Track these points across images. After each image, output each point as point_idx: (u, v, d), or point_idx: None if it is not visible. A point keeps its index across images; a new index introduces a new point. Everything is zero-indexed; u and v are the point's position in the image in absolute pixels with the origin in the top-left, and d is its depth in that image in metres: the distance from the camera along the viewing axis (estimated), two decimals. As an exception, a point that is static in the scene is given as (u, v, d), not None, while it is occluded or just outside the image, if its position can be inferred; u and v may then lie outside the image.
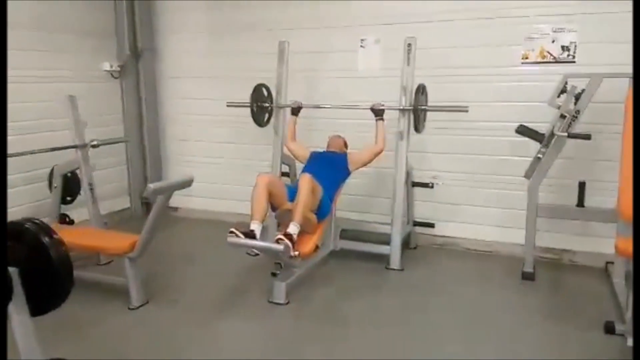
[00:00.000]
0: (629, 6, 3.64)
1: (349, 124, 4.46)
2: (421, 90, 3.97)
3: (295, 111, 4.25)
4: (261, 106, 4.39)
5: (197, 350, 2.87)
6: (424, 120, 4.11)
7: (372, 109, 4.00)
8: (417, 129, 4.05)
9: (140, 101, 5.40)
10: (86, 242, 3.55)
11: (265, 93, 4.40)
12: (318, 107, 4.42)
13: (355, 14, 4.54)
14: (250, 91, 4.32)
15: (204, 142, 5.37)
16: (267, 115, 4.44)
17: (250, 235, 3.23)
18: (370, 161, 3.99)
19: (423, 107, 4.00)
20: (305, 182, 3.38)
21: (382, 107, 3.97)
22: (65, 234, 3.59)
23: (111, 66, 5.15)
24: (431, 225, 4.47)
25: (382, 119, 3.98)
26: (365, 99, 4.53)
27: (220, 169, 5.32)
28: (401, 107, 3.97)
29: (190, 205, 5.49)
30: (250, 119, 4.39)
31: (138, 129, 5.43)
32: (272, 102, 4.40)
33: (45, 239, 1.83)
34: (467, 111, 3.77)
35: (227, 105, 4.43)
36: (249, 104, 4.31)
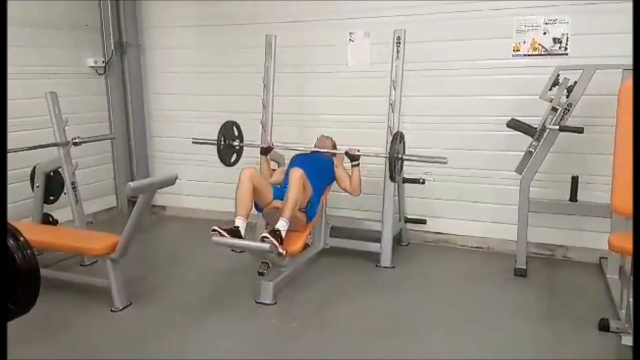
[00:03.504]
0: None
1: (335, 120, 4.39)
2: (399, 138, 3.75)
3: (265, 151, 4.05)
4: (229, 144, 4.10)
5: (181, 352, 2.79)
6: (401, 169, 3.92)
7: (347, 154, 3.83)
8: (392, 177, 3.80)
9: (126, 97, 5.30)
10: (67, 243, 3.47)
11: (235, 131, 4.14)
12: (287, 148, 4.16)
13: (343, 8, 4.45)
14: (240, 86, 4.22)
15: (192, 138, 5.26)
16: (235, 156, 4.16)
17: (235, 232, 3.15)
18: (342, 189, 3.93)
19: (399, 157, 3.77)
20: (297, 176, 3.28)
21: (358, 153, 3.80)
22: (46, 235, 3.61)
23: (96, 62, 5.06)
24: (423, 222, 4.41)
25: (358, 165, 3.81)
26: (355, 93, 4.50)
27: (208, 166, 5.20)
28: (377, 154, 3.84)
29: (178, 204, 5.42)
30: (238, 115, 4.28)
31: (124, 125, 5.33)
32: (241, 141, 4.16)
33: (10, 242, 1.73)
34: (445, 163, 3.62)
35: (193, 142, 4.18)
36: (215, 142, 4.01)
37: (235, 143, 4.14)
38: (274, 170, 4.09)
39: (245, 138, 4.21)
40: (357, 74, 4.47)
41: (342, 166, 3.96)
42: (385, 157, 3.74)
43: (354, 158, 3.80)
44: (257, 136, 4.32)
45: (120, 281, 3.24)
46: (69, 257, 3.89)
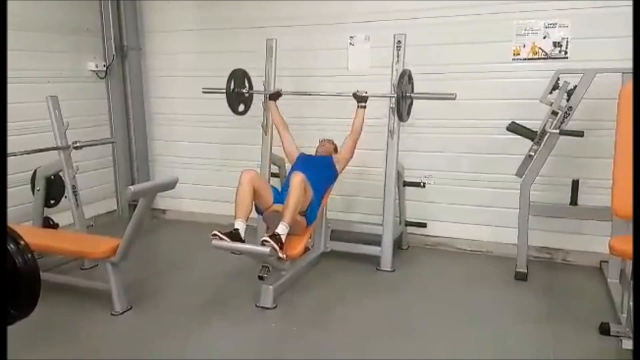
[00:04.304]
0: (621, 1, 3.59)
1: (338, 124, 4.38)
2: (406, 76, 3.76)
3: (274, 96, 4.08)
4: (238, 92, 4.14)
5: (181, 356, 2.79)
6: (409, 109, 3.92)
7: (355, 95, 3.87)
8: (401, 116, 3.81)
9: (127, 101, 5.31)
10: (67, 247, 3.47)
11: (245, 80, 4.19)
12: (298, 93, 4.24)
13: (344, 11, 4.45)
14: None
15: (192, 142, 5.28)
16: (243, 106, 4.21)
17: (235, 235, 3.15)
18: (352, 154, 3.88)
19: (408, 95, 3.80)
20: (298, 180, 3.27)
21: (365, 95, 3.84)
22: (47, 238, 3.61)
23: (97, 66, 5.07)
24: (423, 225, 4.41)
25: (364, 107, 3.84)
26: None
27: (208, 170, 5.23)
28: (384, 94, 3.85)
29: (178, 208, 5.41)
30: (240, 118, 4.29)
31: (125, 129, 5.34)
32: (251, 89, 4.21)
33: (11, 246, 1.73)
34: (454, 99, 3.62)
35: (203, 92, 4.22)
36: (224, 90, 4.04)
37: (244, 91, 4.16)
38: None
39: (248, 140, 4.20)
40: (357, 78, 4.46)
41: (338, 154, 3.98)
42: (394, 96, 3.74)
43: (361, 99, 3.84)
44: (259, 139, 4.33)
45: (121, 285, 3.24)
46: (69, 260, 3.90)
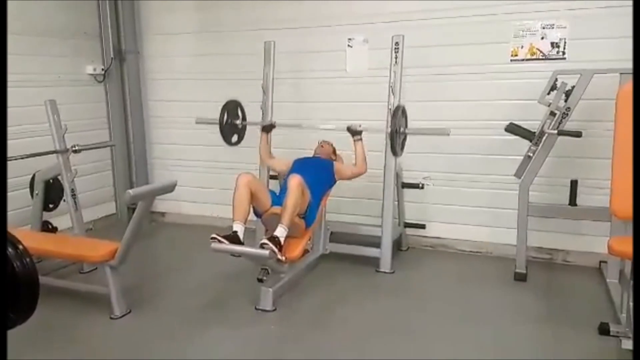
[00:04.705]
0: (618, 2, 3.60)
1: (338, 125, 4.38)
2: (400, 111, 3.72)
3: (267, 129, 4.05)
4: (232, 123, 4.08)
5: (180, 359, 2.78)
6: (403, 144, 3.88)
7: (349, 130, 3.81)
8: (395, 152, 3.78)
9: (125, 104, 5.30)
10: (66, 250, 3.46)
11: (238, 111, 4.13)
12: (292, 126, 4.19)
13: (342, 13, 4.45)
14: (238, 92, 4.21)
15: (191, 145, 5.28)
16: (237, 137, 4.14)
17: (234, 238, 3.15)
18: (351, 178, 3.89)
19: (402, 131, 3.77)
20: (296, 182, 3.27)
21: (360, 129, 3.79)
22: (46, 242, 3.61)
23: (95, 69, 5.06)
24: (422, 227, 4.41)
25: (361, 139, 3.79)
26: (354, 99, 4.50)
27: (207, 172, 5.22)
28: (378, 129, 3.82)
29: (177, 211, 5.41)
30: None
31: (123, 133, 5.33)
32: (244, 120, 4.16)
33: (9, 250, 1.73)
34: (448, 135, 3.64)
35: (197, 122, 4.21)
36: (217, 121, 3.99)
37: (238, 122, 4.12)
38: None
39: (244, 143, 4.20)
40: (355, 80, 4.48)
41: (342, 162, 3.96)
42: (387, 131, 3.71)
43: (355, 133, 3.79)
44: (258, 141, 4.32)
45: (120, 288, 3.23)
46: (68, 264, 3.89)
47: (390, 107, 3.86)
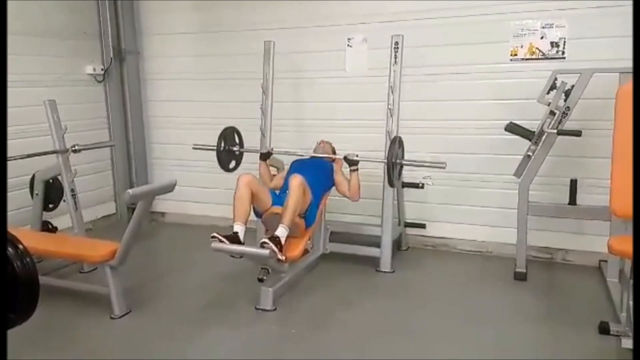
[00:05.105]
0: (617, 1, 3.60)
1: (335, 125, 4.40)
2: (397, 143, 3.70)
3: (264, 157, 4.01)
4: (229, 150, 4.07)
5: (180, 359, 2.78)
6: (400, 174, 3.88)
7: (346, 159, 3.77)
8: (392, 183, 3.74)
9: (125, 104, 5.30)
10: (66, 250, 3.46)
11: (236, 137, 4.12)
12: (286, 153, 4.11)
13: (341, 14, 4.46)
14: (239, 92, 4.21)
15: (191, 145, 5.26)
16: (234, 162, 4.13)
17: (234, 238, 3.15)
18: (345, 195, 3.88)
19: (398, 162, 3.73)
20: (297, 182, 3.27)
21: (357, 158, 3.74)
22: (46, 242, 3.61)
23: (94, 69, 5.06)
24: (422, 226, 4.41)
25: (357, 170, 3.75)
26: (354, 99, 4.50)
27: (207, 172, 5.20)
28: (376, 159, 3.81)
29: (177, 211, 5.41)
30: (238, 122, 4.28)
31: (123, 132, 5.33)
32: (241, 147, 4.12)
33: (9, 250, 1.73)
34: (444, 168, 3.63)
35: (194, 148, 4.18)
36: (214, 147, 3.98)
37: (235, 149, 4.12)
38: (274, 175, 4.08)
39: (244, 145, 4.20)
40: (355, 80, 4.48)
41: (342, 171, 3.95)
42: (384, 162, 3.72)
43: (352, 163, 3.77)
44: (257, 142, 4.32)
45: (120, 288, 3.23)
46: (68, 264, 3.89)
47: (389, 107, 3.86)
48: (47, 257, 3.62)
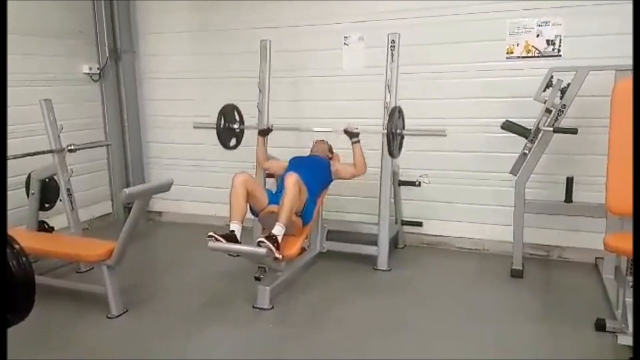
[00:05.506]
0: (614, -1, 3.63)
1: (333, 124, 4.38)
2: (397, 112, 3.66)
3: (264, 133, 4.05)
4: (229, 127, 4.06)
5: (178, 358, 2.78)
6: (401, 145, 3.82)
7: (346, 132, 3.77)
8: (392, 154, 3.69)
9: (121, 104, 5.28)
10: (63, 250, 3.46)
11: (236, 115, 4.10)
12: (290, 129, 4.16)
13: (337, 12, 4.46)
14: (234, 91, 4.20)
15: (187, 144, 5.27)
16: (234, 140, 4.11)
17: (231, 237, 3.15)
18: (349, 179, 3.88)
19: (398, 132, 3.70)
20: (293, 181, 3.27)
21: (357, 131, 3.76)
22: (42, 242, 3.60)
23: (90, 69, 5.05)
24: (419, 224, 4.42)
25: (359, 141, 3.76)
26: (351, 97, 4.50)
27: (203, 171, 5.22)
28: (375, 131, 3.82)
29: (174, 210, 5.40)
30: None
31: (119, 132, 5.32)
32: (241, 124, 4.15)
33: (6, 250, 1.72)
34: (444, 135, 3.65)
35: (194, 127, 4.18)
36: (214, 126, 3.97)
37: (235, 126, 4.10)
38: (272, 161, 4.07)
39: (242, 143, 4.19)
40: (352, 78, 4.48)
41: (339, 161, 3.95)
42: (384, 132, 3.68)
43: (353, 135, 3.76)
44: (253, 141, 4.31)
45: (116, 288, 3.23)
46: (64, 264, 3.88)
47: (386, 105, 3.86)
48: (43, 257, 3.61)
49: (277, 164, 4.00)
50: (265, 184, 4.17)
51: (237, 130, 4.12)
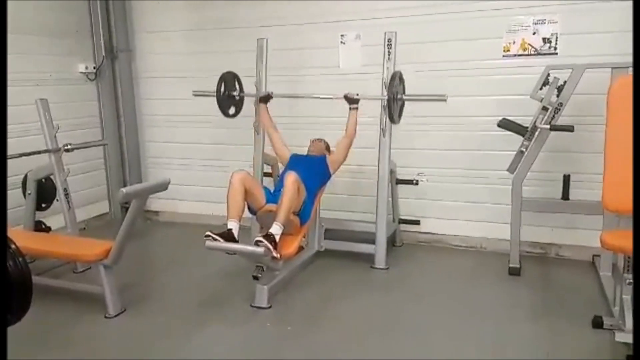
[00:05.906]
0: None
1: (331, 122, 4.38)
2: (397, 78, 3.71)
3: (265, 99, 4.07)
4: (229, 95, 4.10)
5: (175, 357, 2.78)
6: (401, 111, 3.87)
7: (346, 97, 3.82)
8: (392, 119, 3.74)
9: (118, 103, 5.27)
10: (60, 250, 3.45)
11: (235, 83, 4.15)
12: (289, 96, 4.18)
13: (334, 10, 4.46)
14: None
15: (184, 143, 5.26)
16: (234, 109, 4.17)
17: (228, 235, 3.15)
18: (346, 156, 3.87)
19: (399, 97, 3.74)
20: (292, 180, 3.27)
21: (357, 97, 3.79)
22: (39, 242, 3.59)
23: (86, 68, 5.03)
24: (416, 223, 4.43)
25: (356, 109, 3.81)
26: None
27: (201, 170, 5.21)
28: (375, 96, 3.82)
29: (171, 209, 5.39)
30: (233, 119, 4.27)
31: (116, 131, 5.31)
32: (241, 91, 4.18)
33: (6, 251, 1.72)
34: (445, 100, 3.62)
35: (194, 95, 4.23)
36: (214, 93, 4.01)
37: (235, 93, 4.11)
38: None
39: (240, 140, 4.19)
40: (349, 76, 4.48)
41: (332, 154, 3.96)
42: (384, 98, 3.69)
43: (352, 101, 3.79)
44: (251, 140, 4.31)
45: (114, 287, 3.22)
46: (62, 264, 3.87)
47: (383, 104, 3.85)
48: (40, 257, 3.60)
49: (284, 147, 4.00)
50: (262, 183, 4.17)
51: (237, 98, 4.13)
